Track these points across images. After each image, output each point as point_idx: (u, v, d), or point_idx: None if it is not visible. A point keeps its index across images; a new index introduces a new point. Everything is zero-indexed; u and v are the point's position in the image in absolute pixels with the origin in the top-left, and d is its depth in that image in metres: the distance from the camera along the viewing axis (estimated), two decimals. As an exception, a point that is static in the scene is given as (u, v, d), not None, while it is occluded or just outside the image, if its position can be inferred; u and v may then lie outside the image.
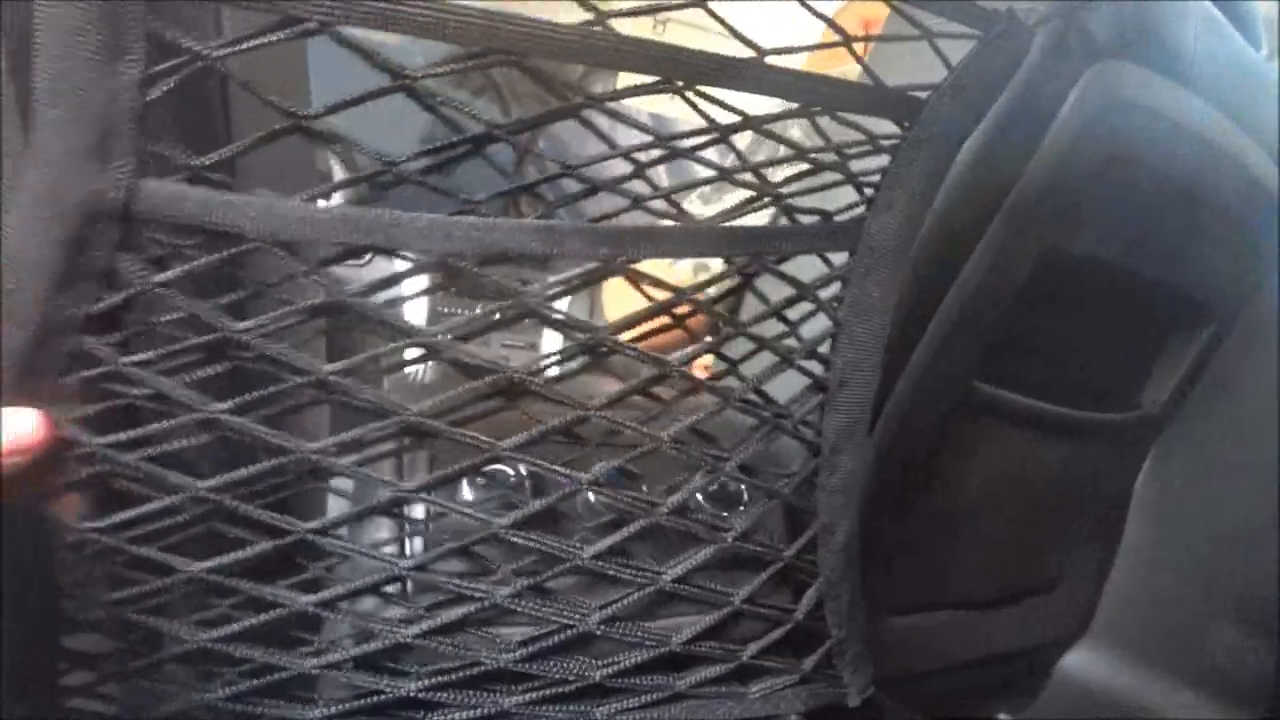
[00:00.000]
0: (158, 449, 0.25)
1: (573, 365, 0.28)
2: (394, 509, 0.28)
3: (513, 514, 0.28)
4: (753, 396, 0.32)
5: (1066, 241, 0.48)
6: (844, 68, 0.62)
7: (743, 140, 0.30)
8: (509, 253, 0.25)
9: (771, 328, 0.32)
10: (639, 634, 0.31)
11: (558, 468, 0.28)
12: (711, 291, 0.29)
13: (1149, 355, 0.66)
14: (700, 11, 0.26)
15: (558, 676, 0.30)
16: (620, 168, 0.30)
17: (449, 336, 0.26)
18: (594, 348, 0.28)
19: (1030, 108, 0.41)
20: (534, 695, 0.30)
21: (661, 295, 0.28)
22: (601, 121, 0.28)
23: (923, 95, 0.31)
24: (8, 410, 0.22)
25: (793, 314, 0.32)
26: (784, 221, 0.31)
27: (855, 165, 0.31)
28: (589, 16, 0.24)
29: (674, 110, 0.28)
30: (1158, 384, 0.67)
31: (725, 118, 0.28)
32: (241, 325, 0.24)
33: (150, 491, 0.25)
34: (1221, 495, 0.71)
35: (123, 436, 0.24)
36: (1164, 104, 0.47)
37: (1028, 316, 0.50)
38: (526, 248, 0.25)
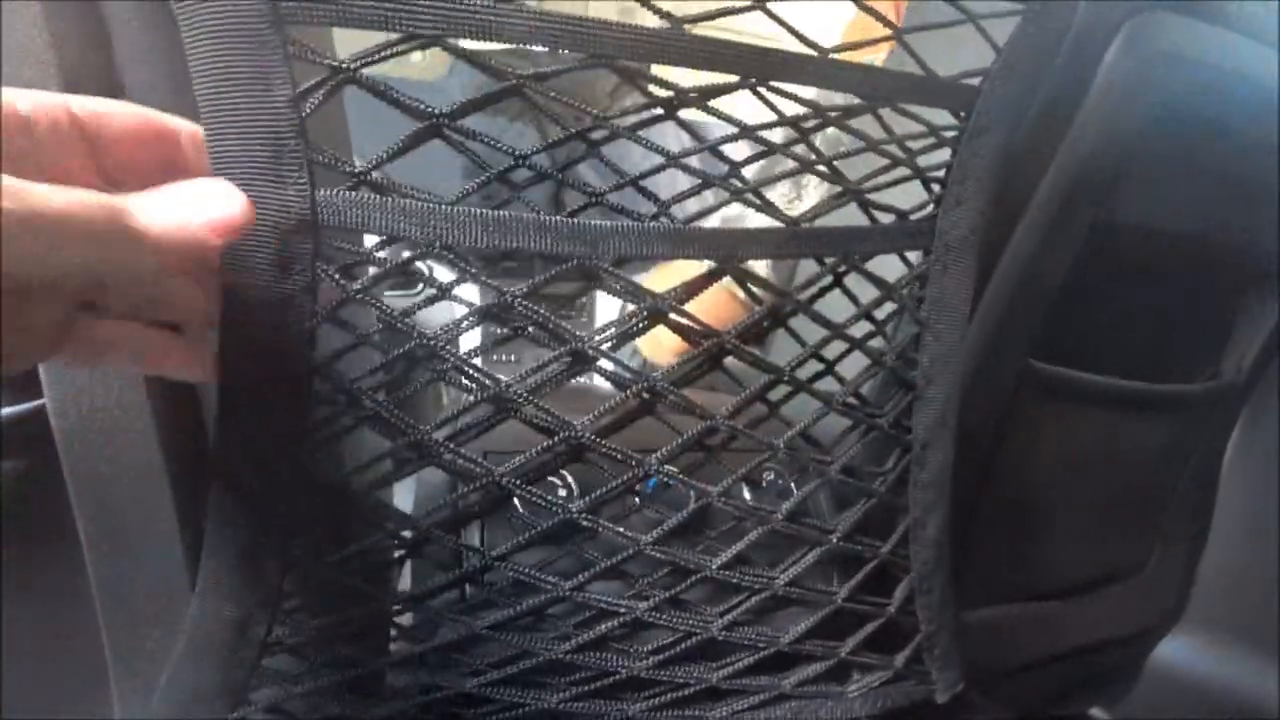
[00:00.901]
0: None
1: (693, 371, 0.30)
2: (565, 531, 0.30)
3: (654, 531, 0.30)
4: (851, 399, 0.33)
5: (1121, 208, 0.48)
6: (875, 56, 0.64)
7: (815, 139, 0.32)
8: (637, 257, 0.27)
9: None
10: (754, 636, 0.32)
11: (697, 482, 0.30)
12: (808, 292, 0.31)
13: (1226, 321, 0.65)
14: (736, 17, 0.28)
15: (680, 681, 0.31)
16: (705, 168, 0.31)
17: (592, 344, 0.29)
18: (718, 354, 0.30)
19: (1074, 71, 0.42)
20: (657, 701, 0.31)
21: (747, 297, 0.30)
22: (668, 129, 0.30)
23: (976, 83, 0.33)
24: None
25: (877, 314, 0.34)
26: (864, 221, 0.33)
27: (921, 161, 0.33)
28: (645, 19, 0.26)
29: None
30: (1238, 350, 0.67)
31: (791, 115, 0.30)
32: (433, 334, 0.27)
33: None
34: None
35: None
36: (1210, 52, 0.46)
37: (1087, 290, 0.50)
38: (655, 251, 0.27)
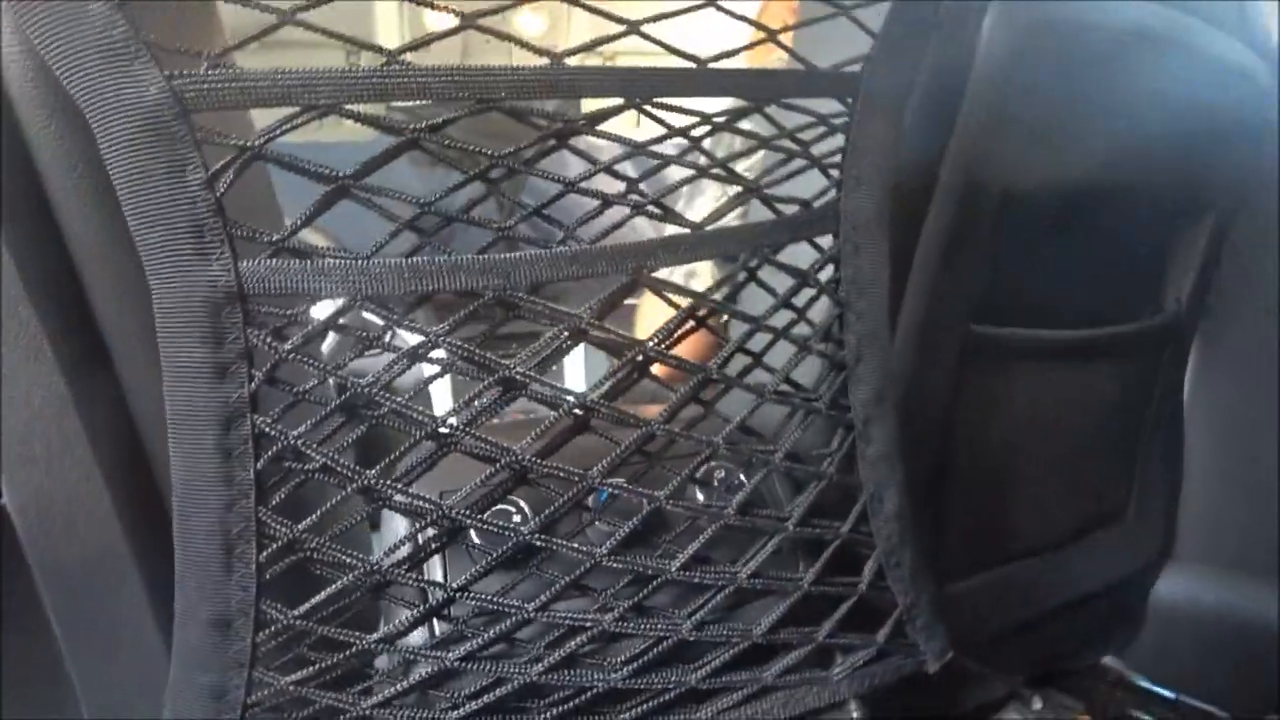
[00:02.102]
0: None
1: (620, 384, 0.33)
2: (523, 555, 0.32)
3: (608, 541, 0.32)
4: (785, 387, 0.36)
5: (1028, 170, 0.51)
6: (775, 55, 0.67)
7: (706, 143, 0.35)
8: (550, 280, 0.30)
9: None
10: (726, 632, 0.34)
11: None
12: (723, 292, 0.34)
13: (1157, 257, 0.69)
14: (638, 37, 0.31)
15: (659, 687, 0.33)
16: (608, 186, 0.34)
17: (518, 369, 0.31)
18: (643, 363, 0.32)
19: (955, 44, 0.45)
20: (641, 710, 0.33)
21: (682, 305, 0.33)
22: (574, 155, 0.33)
23: (857, 69, 0.35)
24: None
25: (798, 302, 0.36)
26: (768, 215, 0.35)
27: (817, 150, 0.36)
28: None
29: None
30: (1174, 283, 0.70)
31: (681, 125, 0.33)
32: (366, 381, 0.29)
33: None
34: (1270, 384, 0.73)
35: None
36: (1077, 13, 0.49)
37: (1016, 249, 0.53)
38: (567, 273, 0.30)
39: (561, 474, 0.31)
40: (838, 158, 0.36)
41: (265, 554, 0.29)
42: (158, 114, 0.26)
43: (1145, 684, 0.84)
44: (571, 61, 0.30)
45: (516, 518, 0.36)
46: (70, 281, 0.32)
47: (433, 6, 0.29)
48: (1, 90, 0.30)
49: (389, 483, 0.30)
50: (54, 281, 0.32)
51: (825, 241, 0.37)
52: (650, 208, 0.32)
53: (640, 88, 0.31)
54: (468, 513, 0.31)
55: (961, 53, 0.45)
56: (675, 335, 0.33)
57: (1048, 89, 0.49)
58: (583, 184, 0.31)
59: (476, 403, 0.31)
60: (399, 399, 0.29)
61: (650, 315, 0.65)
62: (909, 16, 0.36)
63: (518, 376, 0.30)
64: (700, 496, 0.41)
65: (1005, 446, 0.60)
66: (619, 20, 0.31)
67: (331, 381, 0.29)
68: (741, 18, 0.33)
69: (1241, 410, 0.78)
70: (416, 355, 0.29)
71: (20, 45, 0.29)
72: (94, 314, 0.32)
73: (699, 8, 0.33)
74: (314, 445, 0.29)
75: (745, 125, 0.34)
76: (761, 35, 0.34)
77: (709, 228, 0.32)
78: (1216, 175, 0.65)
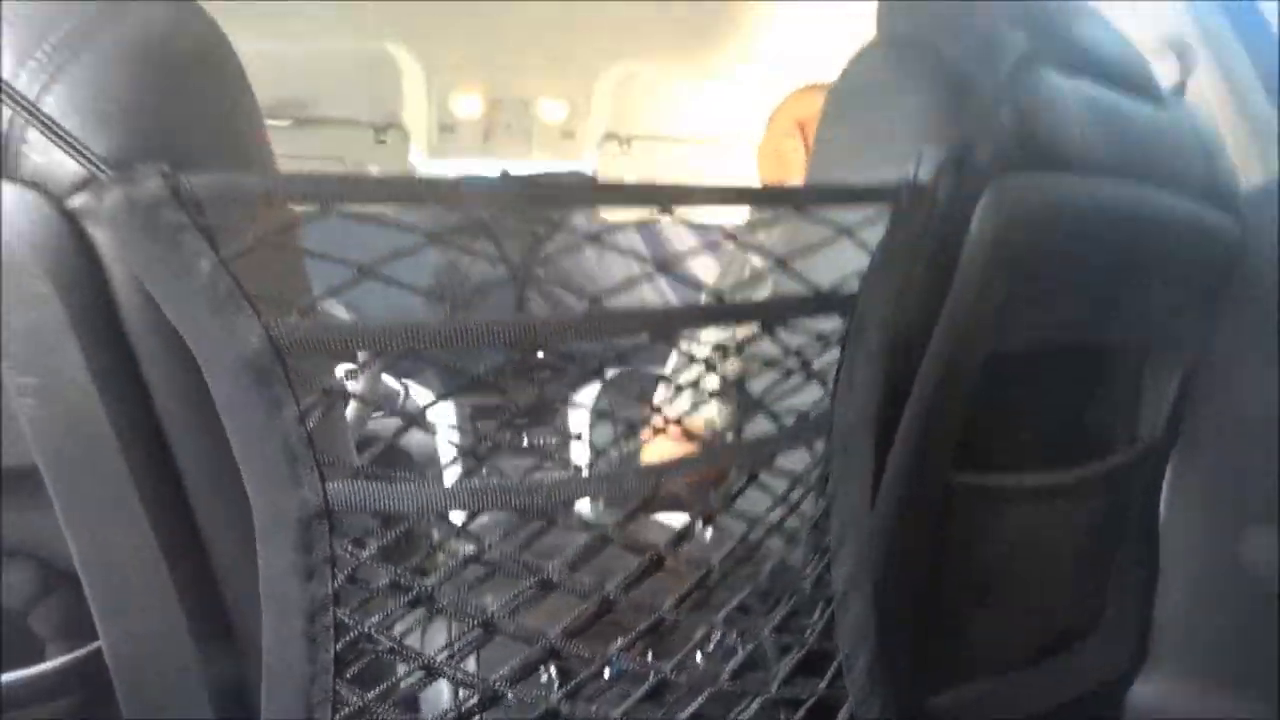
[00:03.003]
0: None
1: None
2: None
3: (622, 706, 0.39)
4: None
5: (1010, 337, 0.58)
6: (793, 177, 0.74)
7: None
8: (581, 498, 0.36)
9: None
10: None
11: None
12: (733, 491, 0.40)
13: (1132, 397, 0.75)
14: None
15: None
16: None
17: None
18: (658, 560, 0.39)
19: (943, 242, 0.51)
20: None
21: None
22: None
23: (854, 287, 0.42)
24: None
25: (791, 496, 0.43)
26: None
27: (815, 365, 0.42)
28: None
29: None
30: (1149, 415, 0.76)
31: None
32: (430, 582, 0.35)
33: None
34: (1240, 499, 0.80)
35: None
36: (1062, 198, 0.55)
37: (992, 406, 0.60)
38: (596, 491, 0.36)
39: (585, 654, 0.38)
40: (833, 369, 0.43)
41: (339, 716, 0.36)
42: (257, 359, 0.33)
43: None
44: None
45: (544, 679, 0.43)
46: (172, 473, 0.38)
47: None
48: (119, 314, 0.36)
49: (445, 662, 0.36)
50: (158, 473, 0.38)
51: (818, 442, 0.43)
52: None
53: (668, 324, 0.38)
54: (507, 685, 0.37)
55: (951, 245, 0.52)
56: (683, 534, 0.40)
57: (1031, 264, 0.56)
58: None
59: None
60: (454, 596, 0.36)
61: (655, 451, 0.72)
62: (904, 229, 0.43)
63: (554, 579, 0.37)
64: (699, 657, 0.47)
65: (986, 576, 0.66)
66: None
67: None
68: (757, 248, 0.40)
69: (1213, 521, 0.84)
70: (471, 560, 0.36)
71: (134, 287, 0.35)
72: (191, 502, 0.39)
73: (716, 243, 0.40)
74: (385, 631, 0.35)
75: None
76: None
77: (722, 446, 0.39)
78: (1189, 323, 0.72)
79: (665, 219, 0.36)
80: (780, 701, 0.44)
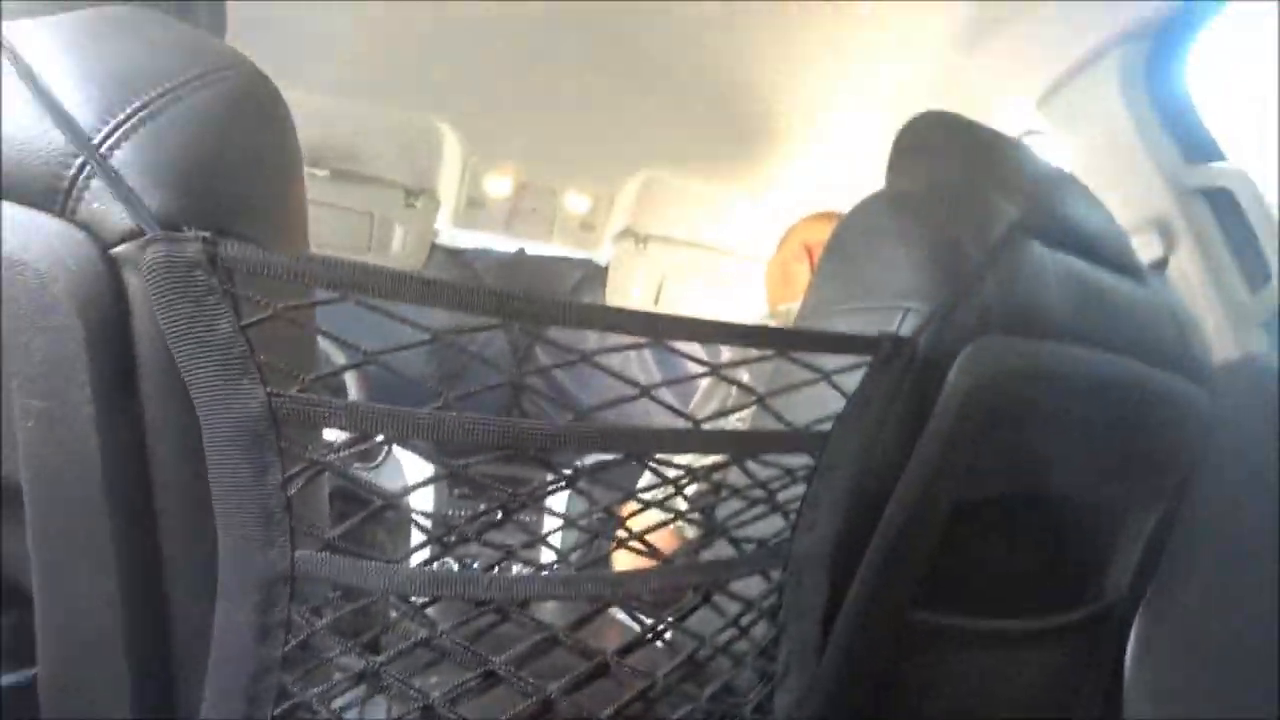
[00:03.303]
0: None
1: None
2: None
3: None
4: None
5: (978, 487, 0.59)
6: (789, 306, 0.77)
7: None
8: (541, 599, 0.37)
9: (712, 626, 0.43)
10: None
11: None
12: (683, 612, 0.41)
13: (1101, 549, 0.76)
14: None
15: None
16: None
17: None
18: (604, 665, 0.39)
19: (918, 394, 0.53)
20: None
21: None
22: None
23: (827, 429, 0.44)
24: None
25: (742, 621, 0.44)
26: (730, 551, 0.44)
27: (780, 497, 0.44)
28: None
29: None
30: (1118, 570, 0.77)
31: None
32: (380, 659, 0.36)
33: None
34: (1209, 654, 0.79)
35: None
36: (1036, 360, 0.58)
37: (957, 549, 0.61)
38: (558, 593, 0.37)
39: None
40: (796, 503, 0.44)
41: None
42: (256, 424, 0.34)
43: None
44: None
45: None
46: (149, 520, 0.39)
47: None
48: (136, 360, 0.38)
49: None
50: (136, 517, 0.39)
51: (775, 572, 0.45)
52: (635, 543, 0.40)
53: (642, 443, 0.40)
54: None
55: (925, 397, 0.54)
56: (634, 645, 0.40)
57: (1002, 419, 0.58)
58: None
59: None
60: (400, 677, 0.36)
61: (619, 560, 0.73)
62: (882, 379, 0.45)
63: (500, 671, 0.37)
64: None
65: (941, 716, 0.66)
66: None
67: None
68: (735, 381, 0.42)
69: (1180, 681, 0.83)
70: (421, 644, 0.37)
71: (155, 335, 0.37)
72: (162, 551, 0.40)
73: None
74: (325, 703, 0.36)
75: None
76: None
77: (680, 563, 0.40)
78: (1160, 483, 0.74)
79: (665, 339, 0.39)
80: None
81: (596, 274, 1.34)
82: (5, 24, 0.38)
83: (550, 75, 1.13)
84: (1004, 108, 1.05)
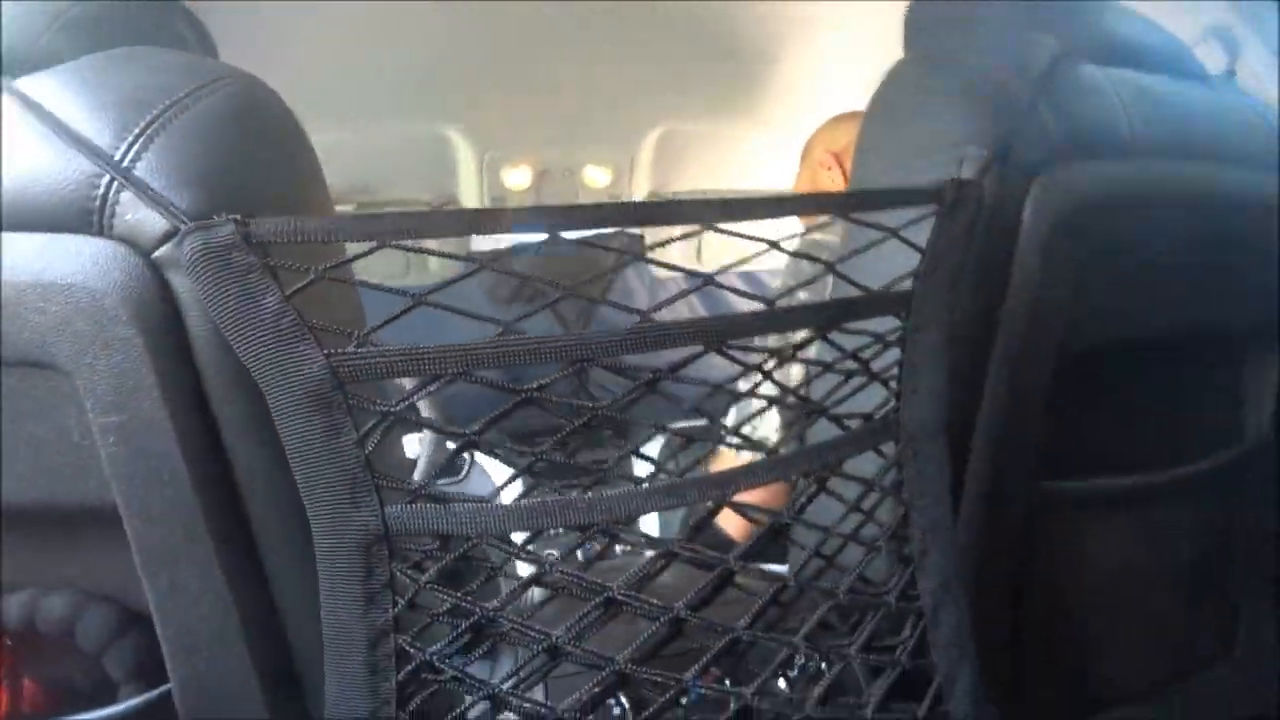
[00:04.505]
0: None
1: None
2: None
3: None
4: (858, 585, 0.39)
5: (1082, 333, 0.54)
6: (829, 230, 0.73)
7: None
8: (640, 513, 0.35)
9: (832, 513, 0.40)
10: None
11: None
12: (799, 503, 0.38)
13: (1230, 389, 0.69)
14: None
15: None
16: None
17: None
18: (728, 574, 0.36)
19: (996, 239, 0.49)
20: None
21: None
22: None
23: (908, 286, 0.40)
24: None
25: (865, 505, 0.40)
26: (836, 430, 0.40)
27: (875, 366, 0.40)
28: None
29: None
30: (1253, 410, 0.70)
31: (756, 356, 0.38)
32: (492, 606, 0.34)
33: None
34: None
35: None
36: (1114, 183, 0.53)
37: (1079, 402, 0.56)
38: (661, 505, 0.35)
39: (659, 678, 0.35)
40: (894, 370, 0.41)
41: None
42: (319, 386, 0.33)
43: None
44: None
45: (616, 710, 0.40)
46: (240, 511, 0.39)
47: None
48: (195, 357, 0.38)
49: (510, 691, 0.34)
50: (227, 511, 0.39)
51: (887, 447, 0.41)
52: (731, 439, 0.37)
53: (716, 333, 0.37)
54: (578, 715, 0.35)
55: (1005, 241, 0.50)
56: (754, 548, 0.37)
57: (1089, 252, 0.53)
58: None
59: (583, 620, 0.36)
60: (519, 619, 0.34)
61: (721, 465, 0.70)
62: (951, 227, 0.41)
63: (619, 597, 0.35)
64: (784, 684, 0.44)
65: (1084, 596, 0.61)
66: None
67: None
68: (807, 257, 0.39)
69: None
70: (533, 581, 0.35)
71: (208, 329, 0.37)
72: (257, 539, 0.39)
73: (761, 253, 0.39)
74: (446, 660, 0.34)
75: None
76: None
77: (787, 452, 0.37)
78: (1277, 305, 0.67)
79: (718, 276, 0.36)
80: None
81: (633, 244, 1.32)
82: (21, 80, 0.40)
83: (543, 57, 1.11)
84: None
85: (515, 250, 1.21)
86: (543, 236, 0.35)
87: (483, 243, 1.28)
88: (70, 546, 0.44)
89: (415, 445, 0.64)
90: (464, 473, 1.10)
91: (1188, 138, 0.58)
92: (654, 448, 1.04)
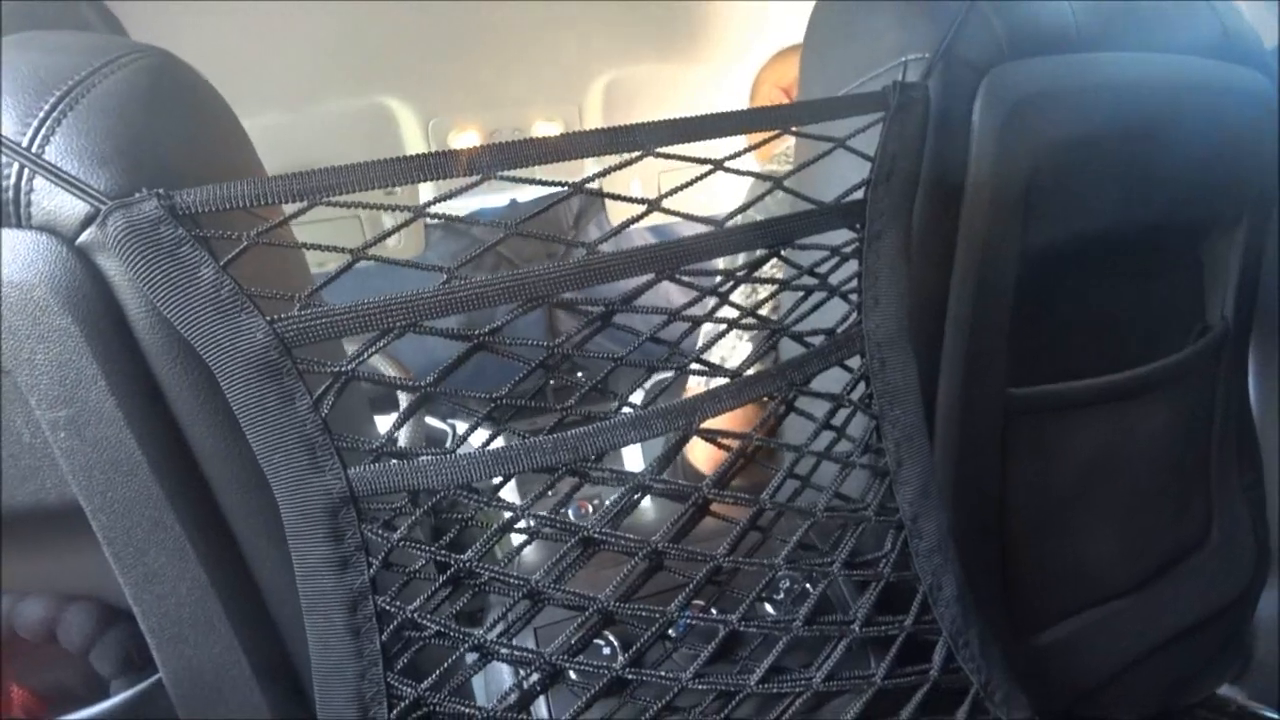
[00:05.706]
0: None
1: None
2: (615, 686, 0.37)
3: (691, 666, 0.36)
4: (835, 501, 0.40)
5: (1040, 230, 0.54)
6: (786, 145, 0.72)
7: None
8: (611, 448, 0.35)
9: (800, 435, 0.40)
10: (811, 736, 0.38)
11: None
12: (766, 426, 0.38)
13: (1193, 279, 0.70)
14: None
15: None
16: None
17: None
18: (703, 504, 0.37)
19: (947, 141, 0.49)
20: None
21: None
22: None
23: (860, 195, 0.40)
24: None
25: (836, 421, 0.40)
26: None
27: (833, 280, 0.40)
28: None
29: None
30: (1217, 298, 0.71)
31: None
32: (467, 556, 0.34)
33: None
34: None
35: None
36: (1060, 78, 0.53)
37: (1043, 303, 0.56)
38: (627, 438, 0.35)
39: (644, 612, 0.36)
40: (854, 283, 0.41)
41: (395, 712, 0.34)
42: (265, 354, 0.32)
43: (1270, 713, 0.82)
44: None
45: (606, 650, 0.41)
46: (205, 491, 0.38)
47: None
48: (136, 340, 0.37)
49: (496, 640, 0.35)
50: (192, 493, 0.38)
51: (854, 362, 0.41)
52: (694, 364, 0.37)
53: (667, 260, 0.36)
54: (566, 658, 0.35)
55: (957, 143, 0.50)
56: (726, 475, 0.38)
57: (1042, 156, 0.53)
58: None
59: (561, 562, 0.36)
60: (496, 567, 0.35)
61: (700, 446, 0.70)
62: (900, 133, 0.41)
63: (595, 535, 0.35)
64: (770, 609, 0.45)
65: (1066, 496, 0.62)
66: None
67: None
68: (761, 176, 0.38)
69: None
70: (507, 528, 0.35)
71: (146, 309, 0.36)
72: (226, 518, 0.39)
73: (707, 174, 0.38)
74: (428, 615, 0.34)
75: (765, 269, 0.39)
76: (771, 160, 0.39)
77: (746, 372, 0.37)
78: (1240, 190, 0.67)
79: (674, 220, 0.36)
80: (868, 642, 0.41)
81: (591, 203, 1.30)
82: None
83: (478, 14, 1.08)
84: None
85: (472, 221, 1.18)
86: (502, 203, 0.34)
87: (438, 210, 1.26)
88: (38, 548, 0.43)
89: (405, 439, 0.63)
90: (448, 441, 1.09)
91: (1133, 30, 0.58)
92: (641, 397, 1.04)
